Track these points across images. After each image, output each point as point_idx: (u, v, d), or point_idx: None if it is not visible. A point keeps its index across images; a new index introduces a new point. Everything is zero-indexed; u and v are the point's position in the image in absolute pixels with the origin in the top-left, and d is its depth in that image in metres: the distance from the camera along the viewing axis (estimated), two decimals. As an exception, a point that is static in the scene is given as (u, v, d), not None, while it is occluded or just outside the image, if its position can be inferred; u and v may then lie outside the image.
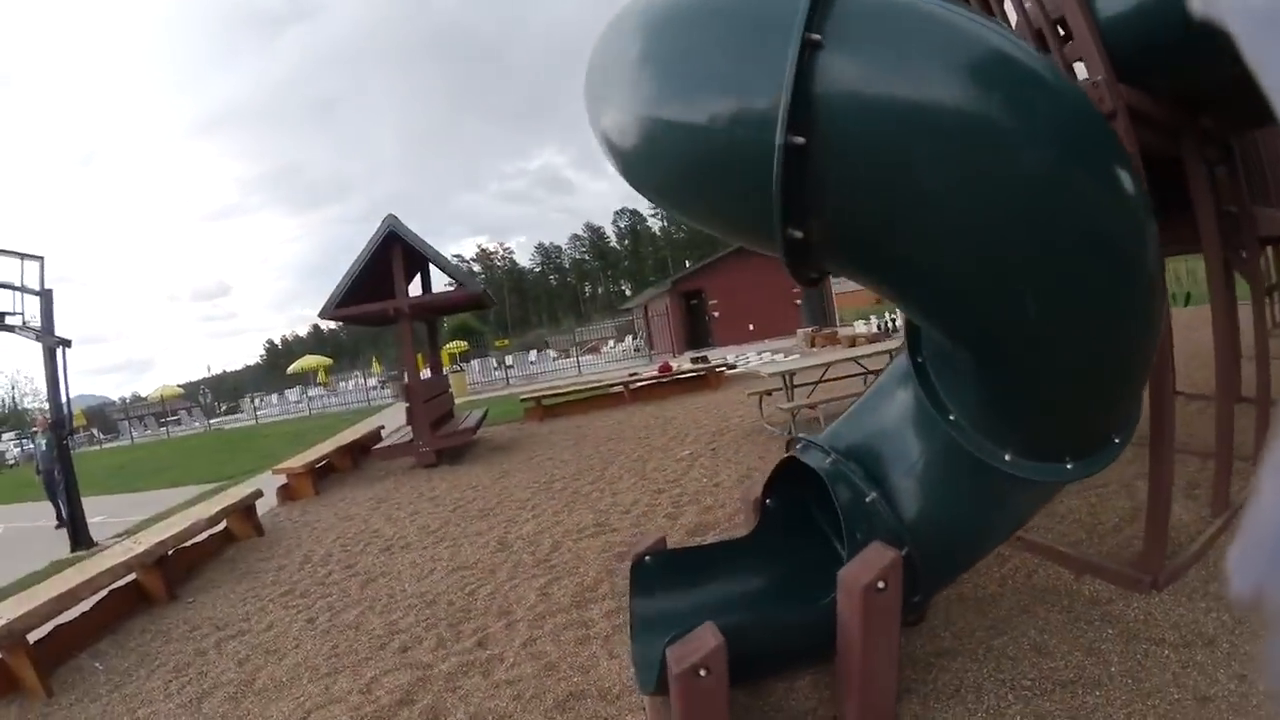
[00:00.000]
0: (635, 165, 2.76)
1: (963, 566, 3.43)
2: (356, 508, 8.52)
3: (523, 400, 14.04)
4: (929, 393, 2.97)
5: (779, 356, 19.14)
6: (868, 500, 3.02)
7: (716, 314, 29.38)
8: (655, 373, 15.55)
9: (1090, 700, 2.96)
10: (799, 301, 29.17)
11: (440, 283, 13.11)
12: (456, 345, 36.62)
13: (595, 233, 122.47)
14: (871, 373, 10.27)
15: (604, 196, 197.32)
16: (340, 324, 12.22)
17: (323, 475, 10.20)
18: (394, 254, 10.79)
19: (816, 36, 2.11)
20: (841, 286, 40.21)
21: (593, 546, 5.82)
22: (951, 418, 2.89)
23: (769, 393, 10.29)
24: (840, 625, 2.83)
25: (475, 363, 33.00)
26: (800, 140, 2.10)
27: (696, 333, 29.58)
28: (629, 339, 36.72)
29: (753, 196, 2.27)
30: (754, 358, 18.90)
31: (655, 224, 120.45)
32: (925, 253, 2.34)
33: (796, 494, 3.80)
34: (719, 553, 3.81)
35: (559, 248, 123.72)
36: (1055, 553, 4.31)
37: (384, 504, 8.46)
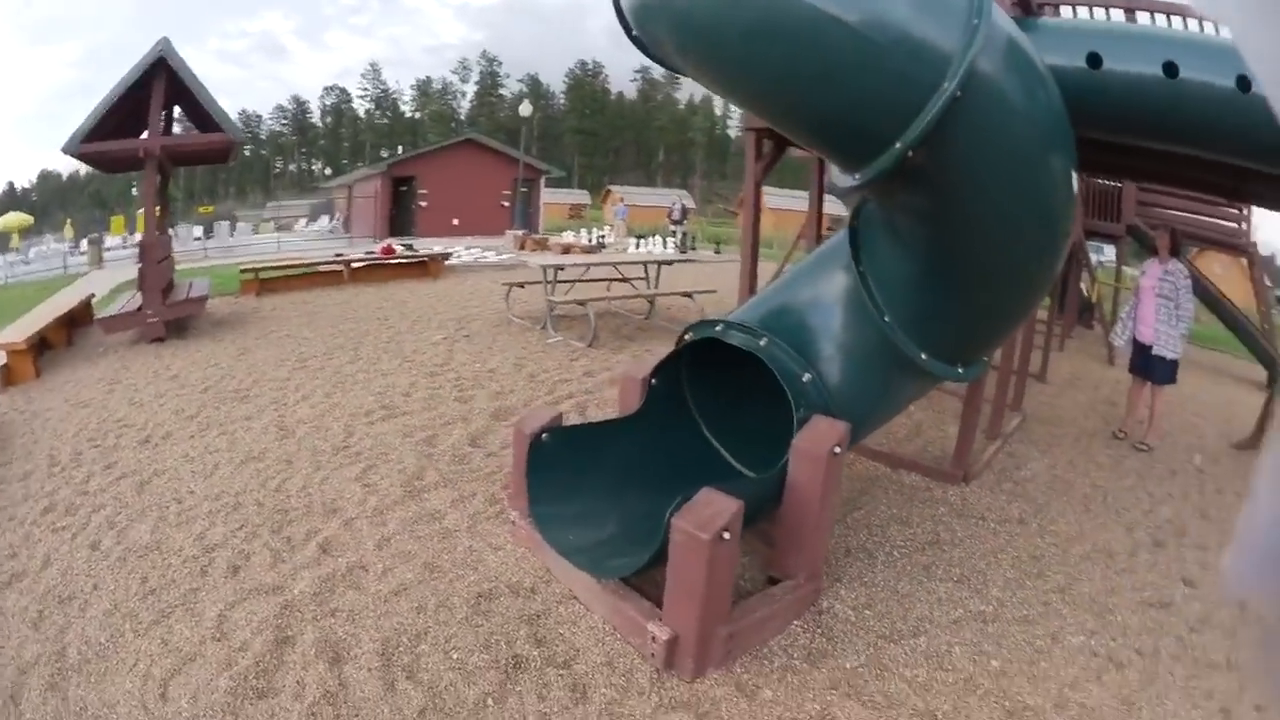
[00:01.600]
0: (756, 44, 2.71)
1: (864, 435, 4.12)
2: (89, 391, 7.13)
3: (242, 272, 12.65)
4: (870, 296, 3.52)
5: (490, 254, 19.52)
6: (804, 379, 3.54)
7: (424, 204, 28.20)
8: (378, 253, 14.72)
9: (955, 554, 4.14)
10: (506, 204, 28.84)
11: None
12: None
13: (300, 106, 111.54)
14: (627, 279, 11.47)
15: (317, 72, 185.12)
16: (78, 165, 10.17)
17: (38, 354, 8.44)
18: (155, 86, 9.02)
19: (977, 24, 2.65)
20: (556, 198, 40.89)
21: (390, 430, 5.59)
22: (886, 319, 3.50)
23: (521, 285, 10.71)
24: (794, 489, 3.28)
25: (176, 230, 28.94)
26: (959, 93, 2.54)
27: (401, 221, 28.25)
28: (324, 219, 34.21)
29: (886, 108, 2.68)
30: (464, 251, 18.76)
31: (361, 105, 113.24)
32: (971, 202, 3.06)
33: (673, 375, 4.23)
34: (613, 429, 4.05)
35: (259, 117, 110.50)
36: (874, 452, 5.41)
37: (119, 386, 7.16)
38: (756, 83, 2.87)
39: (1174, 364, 6.42)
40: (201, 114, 9.79)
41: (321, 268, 13.98)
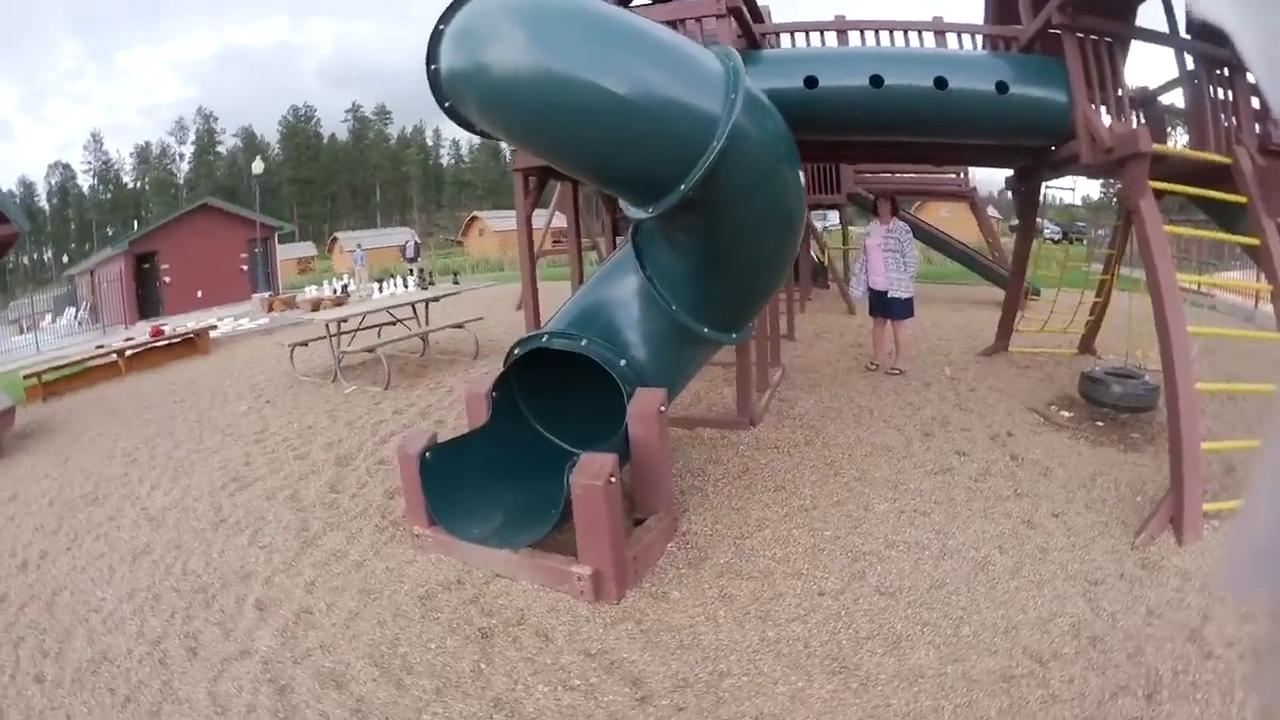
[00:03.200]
0: (542, 109, 3.62)
1: (674, 397, 5.23)
2: None
3: (25, 378, 11.87)
4: (658, 293, 4.73)
5: (244, 320, 19.32)
6: (622, 364, 4.58)
7: (168, 279, 26.71)
8: (149, 337, 14.40)
9: (765, 474, 5.42)
10: (245, 268, 28.09)
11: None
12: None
13: (28, 189, 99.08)
14: (400, 320, 12.32)
15: (40, 147, 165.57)
16: None
17: None
18: None
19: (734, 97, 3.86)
20: (284, 254, 39.77)
21: (253, 497, 5.90)
22: (674, 308, 4.72)
23: (304, 343, 10.99)
24: (639, 444, 4.30)
25: None
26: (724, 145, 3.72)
27: (148, 300, 26.59)
28: (69, 311, 31.28)
29: (671, 163, 3.81)
30: (224, 324, 18.15)
31: (85, 181, 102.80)
32: (731, 214, 4.32)
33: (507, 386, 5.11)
34: (474, 440, 4.86)
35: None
36: (672, 420, 6.10)
37: None
38: (561, 148, 3.92)
39: (909, 301, 8.04)
40: None
41: (95, 362, 13.37)
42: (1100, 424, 6.07)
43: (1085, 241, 15.10)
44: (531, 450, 5.01)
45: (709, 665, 3.32)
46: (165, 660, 3.79)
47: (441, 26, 3.66)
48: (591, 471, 3.70)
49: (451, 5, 3.67)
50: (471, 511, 4.49)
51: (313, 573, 4.48)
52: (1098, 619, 3.44)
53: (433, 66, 3.72)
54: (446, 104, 3.89)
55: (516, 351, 4.89)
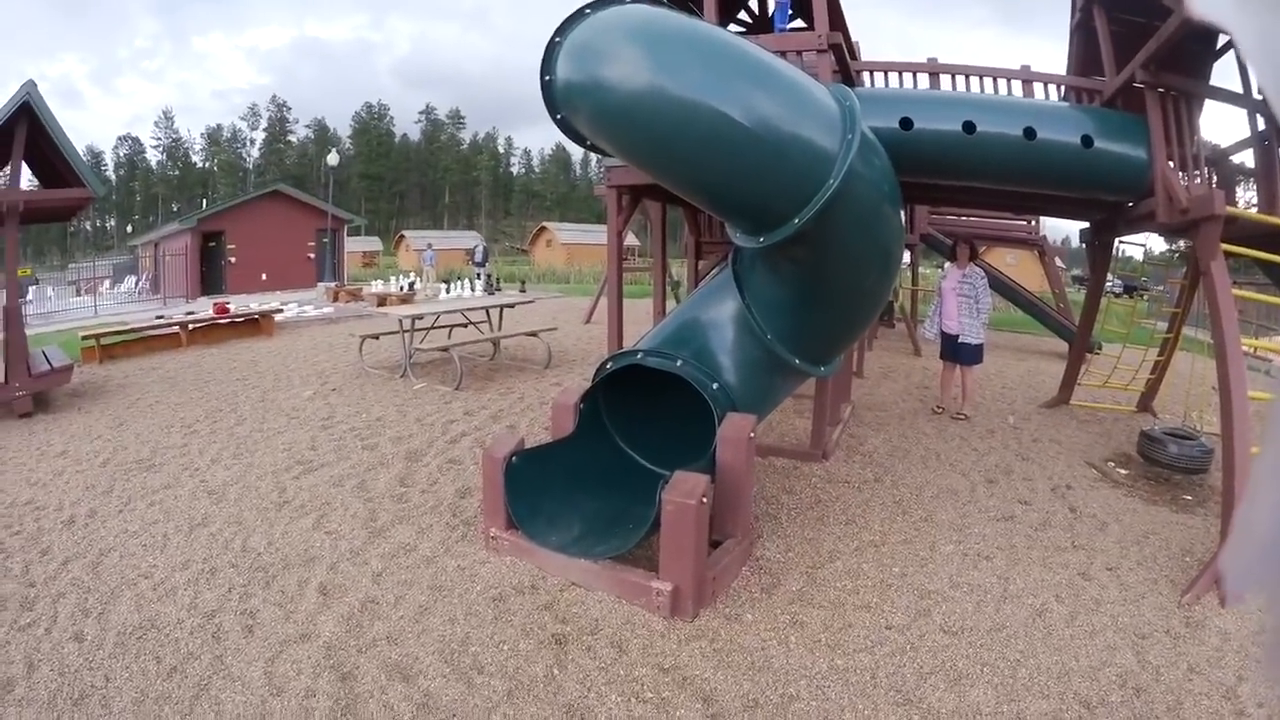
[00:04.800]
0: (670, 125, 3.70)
1: (760, 423, 5.31)
2: None
3: (83, 339, 12.17)
4: (754, 320, 4.78)
5: (308, 308, 19.70)
6: (714, 387, 4.63)
7: (234, 259, 27.25)
8: (213, 313, 14.70)
9: (836, 507, 5.50)
10: (312, 256, 28.57)
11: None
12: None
13: (95, 159, 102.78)
14: (473, 323, 12.64)
15: (110, 120, 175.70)
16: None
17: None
18: (17, 134, 8.41)
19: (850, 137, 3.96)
20: (350, 247, 40.55)
21: (319, 482, 6.01)
22: (769, 337, 4.77)
23: (376, 336, 11.37)
24: (725, 468, 4.33)
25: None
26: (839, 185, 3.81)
27: (211, 278, 27.14)
28: (130, 279, 32.04)
29: (787, 196, 3.92)
30: (288, 309, 18.61)
31: (153, 156, 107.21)
32: (836, 249, 4.38)
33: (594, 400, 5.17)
34: (559, 449, 4.93)
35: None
36: None
37: (6, 466, 6.81)
38: (678, 173, 3.99)
39: (979, 347, 8.04)
40: (57, 166, 9.36)
41: (156, 331, 13.73)
42: (1154, 483, 6.10)
43: (1146, 298, 14.83)
44: (612, 465, 5.09)
45: (779, 688, 3.37)
46: (219, 635, 3.79)
47: (558, 39, 3.74)
48: (684, 490, 3.77)
49: (570, 18, 3.77)
50: (551, 519, 4.57)
51: (380, 563, 4.54)
52: (1143, 671, 3.52)
53: (547, 78, 3.81)
54: (559, 115, 3.96)
55: (610, 366, 4.97)
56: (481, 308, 12.31)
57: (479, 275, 26.03)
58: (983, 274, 8.11)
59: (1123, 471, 6.35)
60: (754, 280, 4.85)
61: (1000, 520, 5.29)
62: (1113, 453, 6.90)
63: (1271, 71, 0.66)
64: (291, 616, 3.94)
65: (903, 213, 5.27)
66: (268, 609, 4.03)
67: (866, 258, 4.58)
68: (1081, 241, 8.67)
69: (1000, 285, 14.89)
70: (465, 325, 12.44)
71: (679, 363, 4.69)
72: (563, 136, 4.13)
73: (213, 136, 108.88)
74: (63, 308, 23.79)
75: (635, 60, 3.53)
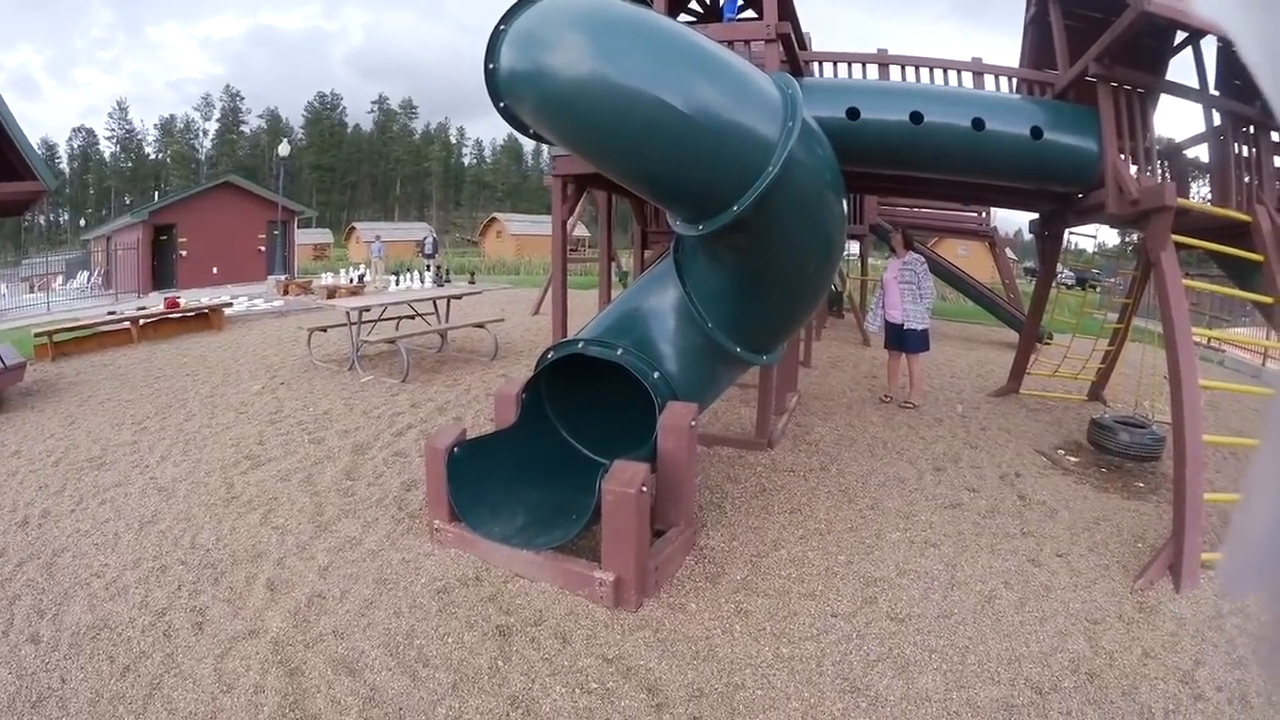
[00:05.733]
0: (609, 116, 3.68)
1: (701, 413, 5.22)
2: None
3: (35, 336, 11.89)
4: (695, 309, 4.76)
5: (259, 301, 19.56)
6: (655, 376, 4.62)
7: (184, 253, 26.77)
8: (164, 308, 14.56)
9: (781, 496, 5.48)
10: (262, 249, 28.26)
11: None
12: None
13: (50, 151, 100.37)
14: (420, 315, 12.47)
15: (66, 110, 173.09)
16: None
17: None
18: None
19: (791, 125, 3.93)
20: (301, 239, 40.12)
21: (266, 477, 5.94)
22: (710, 325, 4.75)
23: (324, 329, 11.20)
24: (667, 456, 4.33)
25: None
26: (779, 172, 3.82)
27: (162, 272, 26.64)
28: (82, 275, 31.37)
29: (726, 183, 3.89)
30: (238, 303, 18.34)
31: (107, 149, 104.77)
32: (776, 237, 4.33)
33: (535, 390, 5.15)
34: (501, 439, 4.90)
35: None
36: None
37: None
38: (619, 160, 3.95)
39: (924, 333, 8.10)
40: (10, 158, 8.91)
41: (108, 327, 13.43)
42: (1105, 470, 6.17)
43: (1099, 289, 15.15)
44: (555, 455, 5.06)
45: (724, 677, 3.37)
46: (170, 633, 3.77)
47: (503, 26, 3.69)
48: (624, 479, 3.75)
49: (514, 6, 3.70)
50: (495, 510, 4.53)
51: (326, 558, 4.49)
52: (1096, 656, 3.55)
53: (490, 65, 3.76)
54: (502, 104, 3.92)
55: (550, 356, 4.93)
56: (429, 299, 12.17)
57: (428, 267, 25.81)
58: (922, 260, 8.18)
59: (1073, 459, 6.43)
60: (695, 268, 4.84)
61: (948, 508, 5.33)
62: (1063, 441, 7.00)
63: (1272, 72, 0.65)
64: (240, 613, 3.92)
65: (847, 202, 5.28)
66: (217, 605, 4.00)
67: (807, 245, 4.56)
68: (1031, 233, 8.80)
69: (951, 276, 15.11)
70: (413, 317, 12.33)
71: (619, 351, 4.67)
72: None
73: (166, 127, 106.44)
74: (15, 305, 23.23)
75: (578, 47, 3.49)
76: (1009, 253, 20.00)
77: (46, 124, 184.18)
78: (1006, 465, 6.26)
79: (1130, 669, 3.45)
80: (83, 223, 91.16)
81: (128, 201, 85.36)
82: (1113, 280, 16.15)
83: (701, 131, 3.68)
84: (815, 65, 7.11)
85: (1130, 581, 4.26)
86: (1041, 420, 7.83)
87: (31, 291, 27.76)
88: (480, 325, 11.38)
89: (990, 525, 5.05)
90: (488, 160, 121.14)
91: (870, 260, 18.54)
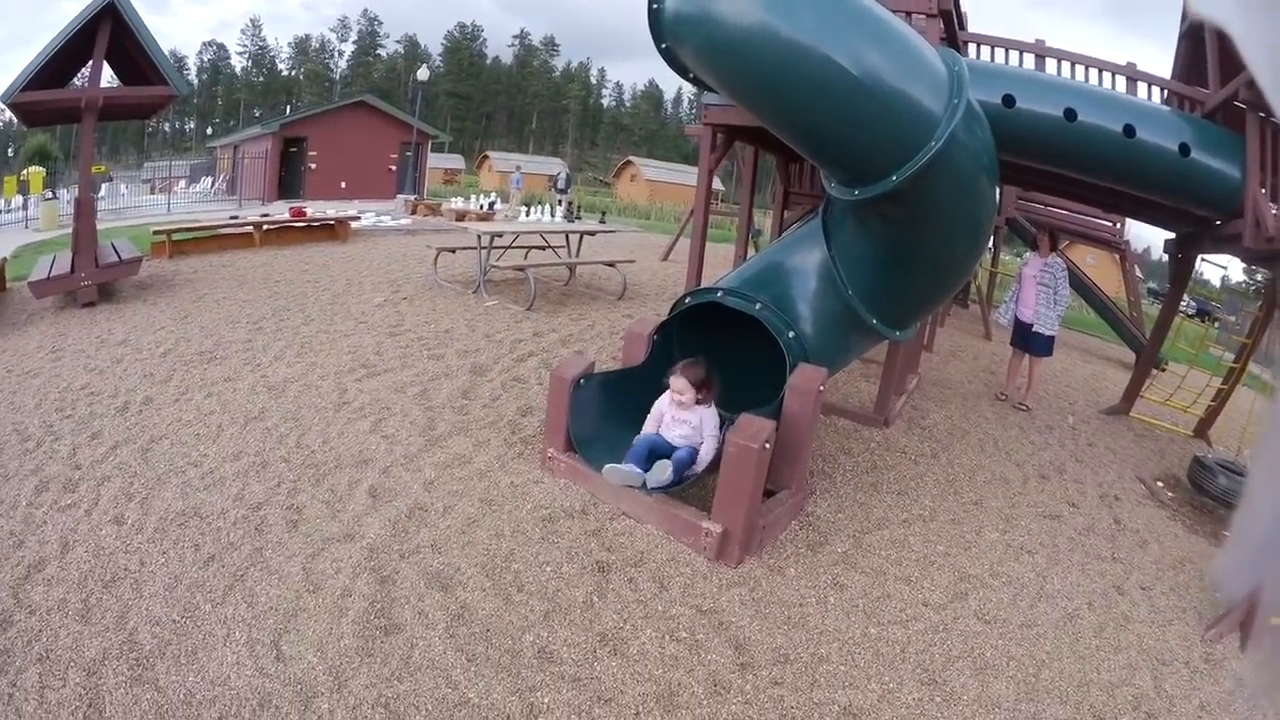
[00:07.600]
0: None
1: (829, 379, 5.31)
2: (31, 360, 6.73)
3: (154, 234, 12.36)
4: (838, 273, 4.72)
5: (385, 218, 19.85)
6: (790, 335, 4.59)
7: (314, 166, 27.55)
8: (289, 216, 14.96)
9: (891, 476, 5.40)
10: (393, 168, 28.78)
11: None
12: (36, 171, 28.55)
13: (178, 62, 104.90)
14: (551, 246, 12.30)
15: (196, 25, 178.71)
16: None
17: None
18: (100, 33, 8.57)
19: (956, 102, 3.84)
20: (435, 163, 40.89)
21: (381, 387, 6.01)
22: (850, 293, 4.71)
23: (453, 250, 11.29)
24: (790, 417, 4.25)
25: (64, 191, 26.51)
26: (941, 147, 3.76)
27: (289, 183, 27.49)
28: (206, 181, 32.53)
29: (888, 152, 3.85)
30: (366, 218, 18.64)
31: (239, 64, 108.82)
32: (929, 212, 4.26)
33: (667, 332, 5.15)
34: (628, 376, 4.93)
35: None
36: None
37: (65, 353, 6.90)
38: (782, 114, 3.88)
39: (1051, 339, 7.80)
40: (140, 65, 9.44)
41: (229, 230, 13.85)
42: (1198, 511, 5.91)
43: (1218, 324, 14.28)
44: None
45: (811, 647, 3.36)
46: (262, 528, 3.81)
47: None
48: (749, 433, 3.72)
49: None
50: (612, 447, 4.49)
51: (433, 472, 4.52)
52: (1158, 698, 3.42)
53: (655, 5, 3.73)
54: (664, 45, 3.89)
55: (688, 301, 4.94)
56: (562, 232, 12.04)
57: (560, 201, 25.92)
58: (1064, 265, 7.85)
59: (1170, 494, 6.18)
60: (843, 233, 4.74)
61: (1047, 518, 5.18)
62: (1163, 472, 6.72)
63: (1272, 72, 0.65)
64: (338, 516, 3.96)
65: (997, 190, 5.12)
66: (314, 506, 4.06)
67: (958, 226, 4.45)
68: (1164, 253, 8.39)
69: (1078, 283, 14.42)
70: (544, 248, 12.25)
71: (758, 305, 4.63)
72: (662, 69, 4.08)
73: (300, 46, 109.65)
74: (135, 204, 24.14)
75: None
76: (1136, 270, 18.96)
77: (175, 38, 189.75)
78: (1107, 486, 6.04)
79: (1186, 718, 3.34)
80: (209, 131, 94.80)
81: (256, 114, 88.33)
82: (1232, 318, 15.21)
83: (867, 95, 3.59)
84: (971, 47, 6.86)
85: (1202, 629, 4.06)
86: (1146, 447, 7.50)
87: (153, 193, 28.92)
88: (610, 264, 11.33)
89: (1084, 543, 4.89)
90: (626, 104, 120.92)
91: (1002, 254, 17.85)
